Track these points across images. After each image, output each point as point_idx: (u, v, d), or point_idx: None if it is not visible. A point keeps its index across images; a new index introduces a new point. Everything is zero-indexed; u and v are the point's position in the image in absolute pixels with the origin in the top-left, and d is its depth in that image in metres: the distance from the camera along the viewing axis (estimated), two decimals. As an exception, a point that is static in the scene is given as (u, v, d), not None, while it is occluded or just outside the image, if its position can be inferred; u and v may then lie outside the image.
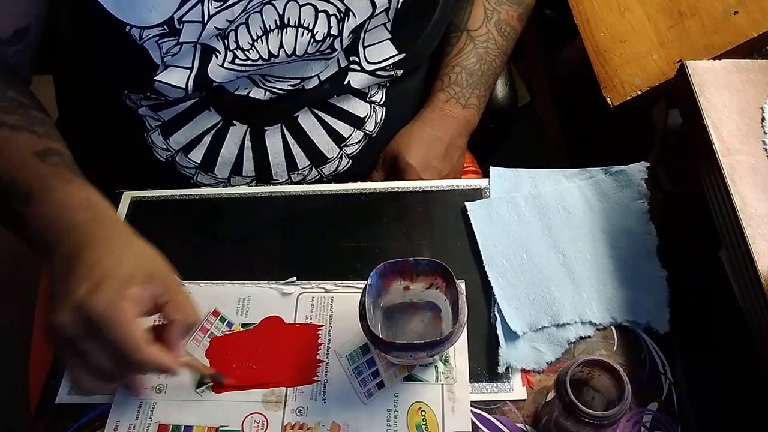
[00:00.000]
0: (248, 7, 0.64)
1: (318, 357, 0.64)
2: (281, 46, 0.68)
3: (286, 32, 0.67)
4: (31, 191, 0.58)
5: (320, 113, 0.78)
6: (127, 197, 0.76)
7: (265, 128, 0.76)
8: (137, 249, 0.57)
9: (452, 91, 0.83)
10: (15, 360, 0.86)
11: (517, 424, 0.60)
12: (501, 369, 0.62)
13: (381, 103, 0.81)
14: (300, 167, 0.79)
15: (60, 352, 0.54)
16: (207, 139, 0.76)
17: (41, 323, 0.83)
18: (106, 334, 0.51)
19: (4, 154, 0.60)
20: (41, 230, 0.57)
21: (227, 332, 0.66)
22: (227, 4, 0.63)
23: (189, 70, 0.67)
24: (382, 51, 0.75)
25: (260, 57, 0.68)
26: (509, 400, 0.61)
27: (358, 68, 0.75)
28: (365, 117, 0.80)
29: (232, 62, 0.67)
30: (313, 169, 0.80)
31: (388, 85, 0.80)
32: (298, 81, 0.73)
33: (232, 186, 0.80)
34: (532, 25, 0.96)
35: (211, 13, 0.63)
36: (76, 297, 0.51)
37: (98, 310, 0.51)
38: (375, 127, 0.81)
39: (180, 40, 0.64)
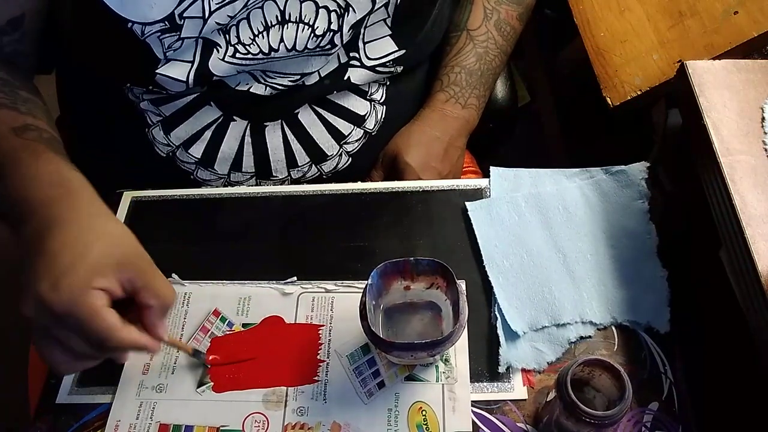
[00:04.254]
0: (249, 3, 0.64)
1: (318, 357, 0.64)
2: (282, 40, 0.68)
3: (287, 27, 0.68)
4: (2, 166, 0.57)
5: (320, 110, 0.78)
6: (127, 197, 0.76)
7: (266, 124, 0.76)
8: (106, 231, 0.54)
9: (452, 91, 0.83)
10: (15, 360, 0.86)
11: (517, 424, 0.60)
12: (502, 369, 0.62)
13: (381, 101, 0.81)
14: (300, 164, 0.80)
15: (34, 335, 0.53)
16: (207, 134, 0.76)
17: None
18: (74, 325, 0.50)
19: None
20: (11, 205, 0.56)
21: (228, 332, 0.66)
22: (228, 0, 0.63)
23: (190, 64, 0.67)
24: (382, 47, 0.75)
25: (261, 51, 0.68)
26: (510, 400, 0.61)
27: (358, 64, 0.75)
28: (365, 115, 0.80)
29: (233, 56, 0.68)
30: (313, 166, 0.80)
31: (388, 83, 0.80)
32: (299, 77, 0.73)
33: (232, 182, 0.80)
34: (532, 25, 0.96)
35: (212, 9, 0.63)
36: (36, 291, 0.49)
37: (60, 306, 0.49)
38: (375, 125, 0.82)
39: (181, 36, 0.64)
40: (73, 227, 0.52)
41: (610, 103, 0.80)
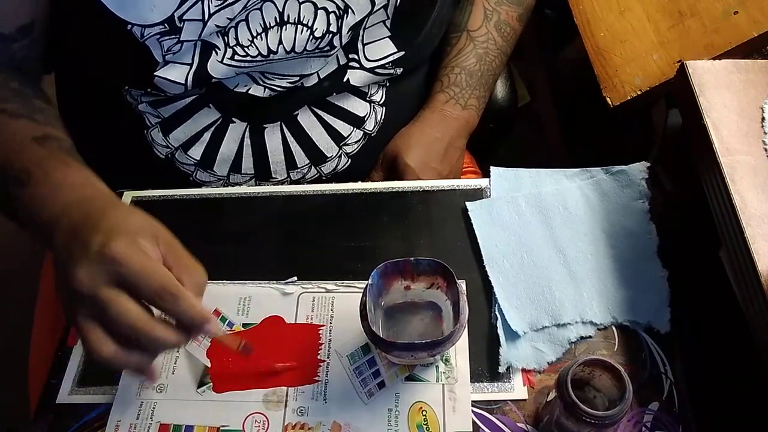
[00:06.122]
0: (248, 4, 0.64)
1: (319, 357, 0.64)
2: (280, 42, 0.68)
3: (286, 29, 0.68)
4: (29, 173, 0.58)
5: (320, 112, 0.78)
6: (127, 197, 0.76)
7: (265, 126, 0.76)
8: (140, 215, 0.56)
9: (452, 92, 0.83)
10: (15, 360, 0.86)
11: (518, 424, 0.60)
12: (502, 369, 0.62)
13: (381, 102, 0.81)
14: (299, 166, 0.80)
15: (76, 315, 0.51)
16: (206, 136, 0.76)
17: (42, 315, 0.84)
18: (131, 275, 0.50)
19: (2, 140, 0.60)
20: (38, 210, 0.56)
21: (228, 332, 0.66)
22: (227, 2, 0.63)
23: (189, 66, 0.67)
24: (381, 49, 0.75)
25: (259, 53, 0.68)
26: (510, 400, 0.61)
27: (358, 66, 0.75)
28: (365, 116, 0.80)
29: (232, 58, 0.68)
30: (313, 167, 0.80)
31: (387, 84, 0.80)
32: (298, 78, 0.73)
33: (231, 183, 0.80)
34: (532, 25, 0.96)
35: (211, 12, 0.63)
36: (93, 247, 0.50)
37: (120, 251, 0.50)
38: (374, 126, 0.82)
39: (181, 39, 0.64)
40: (112, 212, 0.54)
41: (610, 103, 0.80)
